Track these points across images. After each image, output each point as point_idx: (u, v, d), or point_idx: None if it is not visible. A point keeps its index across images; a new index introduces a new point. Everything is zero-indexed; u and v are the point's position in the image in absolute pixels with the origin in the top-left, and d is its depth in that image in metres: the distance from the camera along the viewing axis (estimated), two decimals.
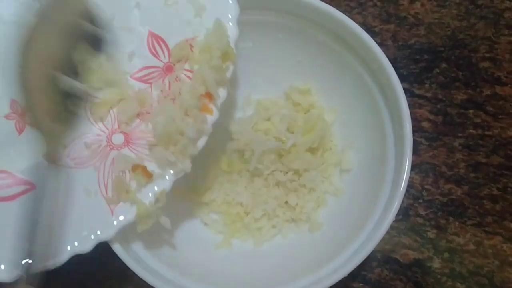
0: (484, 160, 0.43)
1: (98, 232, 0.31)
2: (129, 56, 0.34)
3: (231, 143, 0.42)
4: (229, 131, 0.43)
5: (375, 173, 0.36)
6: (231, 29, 0.33)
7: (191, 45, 0.33)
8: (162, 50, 0.34)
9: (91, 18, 0.31)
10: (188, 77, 0.33)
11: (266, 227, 0.40)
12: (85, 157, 0.33)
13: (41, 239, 0.30)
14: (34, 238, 0.29)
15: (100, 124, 0.34)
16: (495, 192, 0.42)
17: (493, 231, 0.41)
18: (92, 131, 0.34)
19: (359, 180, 0.39)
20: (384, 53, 0.35)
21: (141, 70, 0.34)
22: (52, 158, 0.30)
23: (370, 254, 0.32)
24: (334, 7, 0.36)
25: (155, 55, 0.34)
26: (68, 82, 0.30)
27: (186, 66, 0.33)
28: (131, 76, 0.34)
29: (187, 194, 0.41)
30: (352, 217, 0.37)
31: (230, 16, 0.33)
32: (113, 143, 0.33)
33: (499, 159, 0.43)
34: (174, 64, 0.34)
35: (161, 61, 0.34)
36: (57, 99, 0.30)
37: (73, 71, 0.31)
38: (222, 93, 0.33)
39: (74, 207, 0.32)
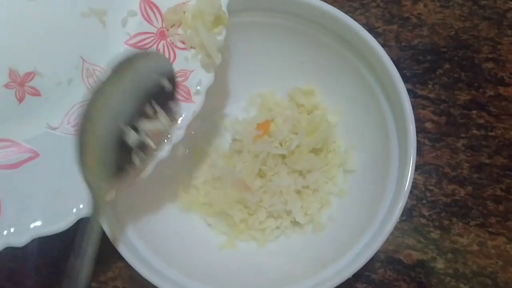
0: (487, 161, 0.43)
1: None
2: (122, 22, 0.34)
3: (234, 143, 0.42)
4: (232, 132, 0.44)
5: (379, 174, 0.36)
6: None
7: (183, 10, 0.33)
8: (155, 15, 0.34)
9: (168, 75, 0.31)
10: (182, 41, 0.33)
11: (269, 228, 0.40)
12: None
13: (49, 203, 0.31)
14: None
15: None
16: (499, 192, 0.42)
17: (496, 231, 0.41)
18: None
19: (362, 181, 0.39)
20: (387, 54, 0.35)
21: (135, 36, 0.34)
22: (98, 210, 0.30)
23: (373, 255, 0.32)
24: (337, 8, 0.36)
25: (148, 20, 0.34)
26: (135, 137, 0.30)
27: (180, 31, 0.33)
28: (125, 43, 0.34)
29: (190, 195, 0.42)
30: (356, 218, 0.37)
31: None
32: None
33: (502, 159, 0.43)
34: (167, 29, 0.34)
35: (155, 26, 0.34)
36: (116, 153, 0.30)
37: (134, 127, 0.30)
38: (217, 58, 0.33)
39: (77, 173, 0.31)
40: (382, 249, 0.39)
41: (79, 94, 0.33)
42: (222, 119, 0.44)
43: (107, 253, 0.32)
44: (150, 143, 0.31)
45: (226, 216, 0.40)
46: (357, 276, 0.40)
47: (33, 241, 0.31)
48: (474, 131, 0.44)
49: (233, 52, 0.41)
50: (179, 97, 0.32)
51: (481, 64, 0.46)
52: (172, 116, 0.32)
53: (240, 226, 0.40)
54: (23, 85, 0.33)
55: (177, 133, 0.33)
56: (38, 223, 0.31)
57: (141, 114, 0.30)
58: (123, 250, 0.33)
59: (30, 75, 0.33)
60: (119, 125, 0.29)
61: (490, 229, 0.41)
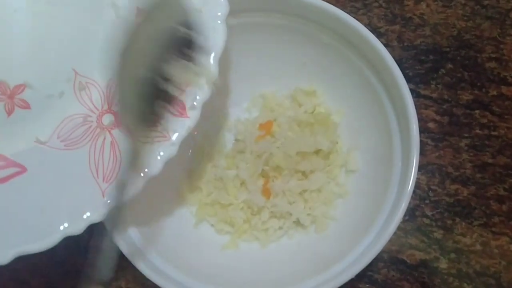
0: (490, 161, 0.43)
1: (88, 214, 0.30)
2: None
3: (236, 144, 0.42)
4: (234, 132, 0.44)
5: (382, 174, 0.36)
6: None
7: None
8: None
9: (188, 24, 0.31)
10: None
11: (272, 228, 0.40)
12: (75, 139, 0.32)
13: (33, 220, 0.30)
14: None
15: (90, 105, 0.33)
16: (502, 192, 0.42)
17: (499, 231, 0.41)
18: (81, 112, 0.33)
19: (365, 181, 0.39)
20: (390, 54, 0.35)
21: None
22: (138, 163, 0.30)
23: (376, 255, 0.32)
24: (340, 8, 0.36)
25: None
26: (163, 84, 0.30)
27: None
28: None
29: (193, 196, 0.42)
30: (358, 218, 0.37)
31: None
32: (103, 124, 0.33)
33: (506, 159, 0.43)
34: None
35: None
36: (147, 100, 0.30)
37: (162, 75, 0.30)
38: None
39: (65, 189, 0.31)
40: (385, 249, 0.39)
41: (70, 107, 0.33)
42: (224, 120, 0.44)
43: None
44: (173, 90, 0.31)
45: (229, 216, 0.40)
46: (360, 276, 0.40)
47: None
48: (477, 131, 0.44)
49: (235, 53, 0.41)
50: (173, 112, 0.32)
51: (484, 63, 0.46)
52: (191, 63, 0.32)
53: (243, 226, 0.40)
54: (12, 98, 0.32)
55: (170, 149, 0.32)
56: (22, 240, 0.30)
57: (165, 61, 0.30)
58: (126, 250, 0.33)
59: (20, 87, 0.32)
60: (144, 73, 0.29)
61: (493, 229, 0.41)
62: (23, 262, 0.29)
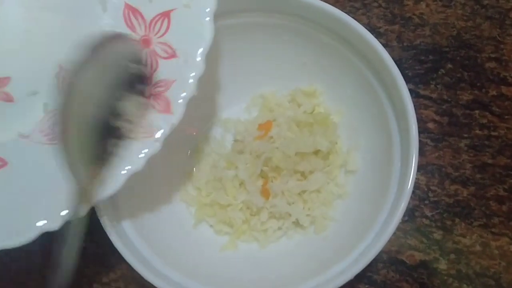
0: (490, 161, 0.43)
1: (66, 211, 0.30)
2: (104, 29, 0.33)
3: (236, 144, 0.42)
4: (233, 132, 0.43)
5: (381, 175, 0.36)
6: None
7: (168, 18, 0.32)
8: (139, 23, 0.32)
9: (136, 59, 0.31)
10: (165, 51, 0.32)
11: (271, 229, 0.39)
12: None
13: (10, 215, 0.30)
14: None
15: None
16: (502, 193, 0.42)
17: (499, 232, 0.41)
18: None
19: (364, 181, 0.39)
20: (389, 54, 0.34)
21: None
22: (87, 198, 0.29)
23: (376, 256, 0.31)
24: (339, 8, 0.36)
25: (132, 28, 0.33)
26: (114, 121, 0.30)
27: (162, 39, 0.32)
28: None
29: (192, 196, 0.42)
30: (358, 218, 0.37)
31: None
32: None
33: (505, 159, 0.43)
34: (151, 37, 0.33)
35: (138, 33, 0.33)
36: (94, 139, 0.29)
37: (113, 112, 0.30)
38: None
39: (45, 185, 0.31)
40: (384, 250, 0.39)
41: (54, 102, 0.33)
42: (223, 120, 0.44)
43: (109, 254, 0.32)
44: (125, 126, 0.30)
45: (228, 217, 0.40)
46: (359, 277, 0.40)
47: (36, 241, 0.30)
48: (477, 131, 0.44)
49: (234, 53, 0.41)
50: (157, 108, 0.31)
51: (484, 63, 0.46)
52: (144, 98, 0.31)
53: (242, 227, 0.40)
54: None
55: (154, 146, 0.31)
56: None
57: (116, 99, 0.30)
58: (124, 251, 0.33)
59: (5, 80, 0.32)
60: (90, 109, 0.28)
61: (493, 230, 0.41)
62: (22, 263, 0.29)
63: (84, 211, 0.29)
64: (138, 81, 0.31)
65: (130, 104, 0.30)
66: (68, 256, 0.28)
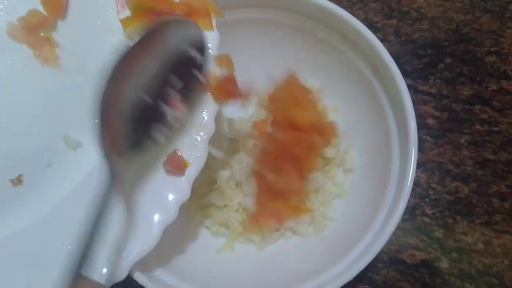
0: (491, 157, 0.42)
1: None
2: None
3: (231, 144, 0.42)
4: (228, 131, 0.43)
5: (380, 173, 0.35)
6: None
7: None
8: None
9: (196, 45, 0.30)
10: None
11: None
12: None
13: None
14: None
15: None
16: (504, 189, 0.41)
17: (502, 229, 0.40)
18: None
19: (363, 180, 0.38)
20: (387, 49, 0.34)
21: None
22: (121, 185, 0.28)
23: (376, 255, 0.31)
24: (335, 3, 0.35)
25: None
26: (161, 107, 0.29)
27: None
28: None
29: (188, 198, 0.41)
30: (357, 218, 0.36)
31: None
32: None
33: (507, 155, 0.42)
34: None
35: None
36: (139, 124, 0.28)
37: (163, 98, 0.29)
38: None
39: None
40: (384, 249, 0.38)
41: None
42: (218, 119, 0.43)
43: None
44: (172, 115, 0.29)
45: (224, 218, 0.39)
46: (359, 278, 0.39)
47: None
48: (478, 127, 0.43)
49: (229, 49, 0.41)
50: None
51: (484, 57, 0.45)
52: (196, 93, 0.30)
53: (238, 228, 0.39)
54: None
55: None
56: None
57: (167, 84, 0.29)
58: None
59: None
60: (141, 96, 0.27)
61: (495, 227, 0.40)
62: None
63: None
64: (195, 67, 0.30)
65: (182, 91, 0.29)
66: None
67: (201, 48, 0.30)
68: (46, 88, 0.32)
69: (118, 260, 0.29)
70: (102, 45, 0.32)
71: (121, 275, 0.29)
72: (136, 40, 0.27)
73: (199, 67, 0.30)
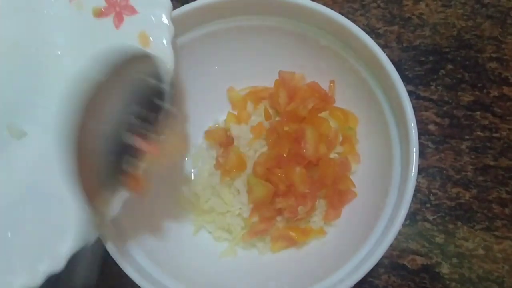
0: (492, 163, 0.42)
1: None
2: None
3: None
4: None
5: (381, 178, 0.36)
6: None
7: None
8: None
9: (157, 75, 0.30)
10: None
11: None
12: None
13: None
14: None
15: None
16: (504, 195, 0.42)
17: (502, 235, 0.41)
18: None
19: (364, 185, 0.38)
20: (389, 55, 0.34)
21: None
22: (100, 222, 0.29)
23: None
24: (337, 9, 0.35)
25: None
26: (131, 139, 0.29)
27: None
28: None
29: (189, 203, 0.41)
30: (358, 223, 0.36)
31: None
32: None
33: (508, 161, 0.42)
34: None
35: None
36: (110, 158, 0.28)
37: (131, 130, 0.29)
38: None
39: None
40: (385, 255, 0.38)
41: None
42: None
43: (106, 263, 0.31)
44: (141, 145, 0.29)
45: (226, 223, 0.39)
46: (361, 283, 0.39)
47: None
48: (479, 133, 0.43)
49: (231, 56, 0.41)
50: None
51: (485, 64, 0.45)
52: (163, 122, 0.30)
53: (241, 233, 0.39)
54: None
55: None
56: None
57: (135, 115, 0.29)
58: (121, 261, 0.32)
59: None
60: (110, 129, 0.28)
61: (496, 233, 0.41)
62: None
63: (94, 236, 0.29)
64: (157, 96, 0.30)
65: (148, 121, 0.29)
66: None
67: (159, 77, 0.30)
68: None
69: None
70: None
71: None
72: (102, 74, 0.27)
73: (161, 94, 0.30)
